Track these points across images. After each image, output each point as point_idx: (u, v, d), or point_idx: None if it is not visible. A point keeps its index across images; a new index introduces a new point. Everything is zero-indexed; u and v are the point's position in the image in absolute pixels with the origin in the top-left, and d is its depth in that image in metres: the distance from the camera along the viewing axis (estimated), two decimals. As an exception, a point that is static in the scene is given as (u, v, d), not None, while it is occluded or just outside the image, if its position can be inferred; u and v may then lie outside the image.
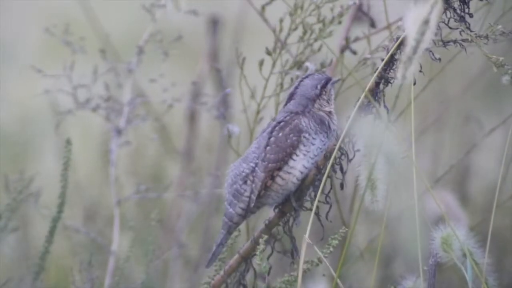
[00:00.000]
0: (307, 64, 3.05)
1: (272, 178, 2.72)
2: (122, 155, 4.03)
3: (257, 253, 2.66)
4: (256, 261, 2.69)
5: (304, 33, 3.03)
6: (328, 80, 2.78)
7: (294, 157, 2.71)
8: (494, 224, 2.68)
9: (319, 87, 2.77)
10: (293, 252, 2.78)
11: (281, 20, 3.04)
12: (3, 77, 4.97)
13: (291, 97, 2.78)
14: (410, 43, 2.42)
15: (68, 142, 3.02)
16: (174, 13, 3.22)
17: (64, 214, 3.08)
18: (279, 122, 2.74)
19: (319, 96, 2.76)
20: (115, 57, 3.47)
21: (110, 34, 3.55)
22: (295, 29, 3.04)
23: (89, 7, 3.76)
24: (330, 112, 2.76)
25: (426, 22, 2.42)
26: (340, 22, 3.02)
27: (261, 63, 3.03)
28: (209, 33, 3.99)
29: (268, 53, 3.05)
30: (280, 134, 2.72)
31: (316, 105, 2.76)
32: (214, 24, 3.99)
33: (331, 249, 2.66)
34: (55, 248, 3.16)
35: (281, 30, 3.05)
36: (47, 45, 4.96)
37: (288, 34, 3.05)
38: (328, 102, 2.77)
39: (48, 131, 3.37)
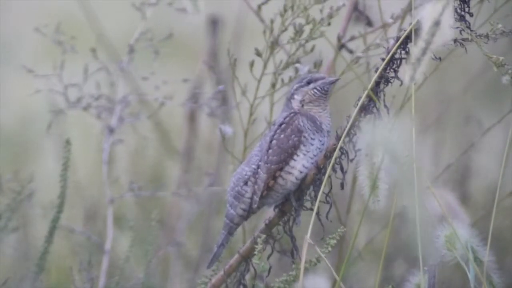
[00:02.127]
0: (297, 65, 3.05)
1: (274, 178, 2.72)
2: (122, 155, 4.03)
3: (256, 252, 2.66)
4: (254, 260, 2.69)
5: (295, 33, 3.03)
6: (310, 80, 2.77)
7: (295, 157, 2.72)
8: (494, 223, 2.68)
9: (294, 87, 2.78)
10: (293, 252, 2.78)
11: (271, 21, 3.04)
12: (3, 77, 4.96)
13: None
14: (419, 45, 2.41)
15: (68, 142, 3.01)
16: (172, 12, 3.22)
17: (64, 214, 3.08)
18: (281, 125, 2.75)
19: (292, 95, 2.77)
20: (112, 56, 3.47)
21: (108, 33, 3.55)
22: (285, 30, 3.04)
23: (87, 7, 3.75)
24: (319, 114, 2.76)
25: (437, 23, 2.40)
26: (329, 24, 3.02)
27: (251, 64, 3.03)
28: (208, 33, 3.99)
29: (258, 54, 3.05)
30: (282, 136, 2.73)
31: (295, 106, 2.76)
32: (214, 24, 3.98)
33: (330, 248, 2.66)
34: (55, 248, 3.15)
35: (271, 31, 3.05)
36: (45, 45, 4.95)
37: (278, 35, 3.05)
38: (300, 103, 2.76)
39: (49, 131, 3.36)
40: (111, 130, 3.33)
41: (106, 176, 3.32)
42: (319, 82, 2.77)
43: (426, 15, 2.41)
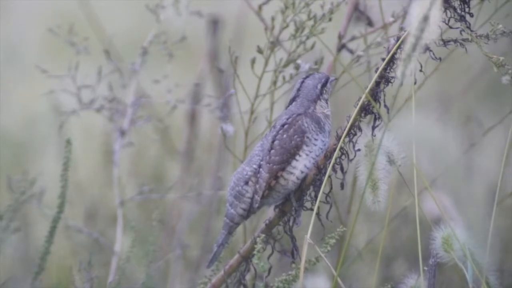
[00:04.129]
0: (299, 61, 3.05)
1: (276, 178, 2.73)
2: (124, 156, 4.03)
3: (255, 252, 2.66)
4: (254, 260, 2.69)
5: (296, 30, 3.03)
6: (327, 79, 2.79)
7: (297, 157, 2.72)
8: (494, 224, 2.68)
9: (319, 86, 2.78)
10: (294, 252, 2.78)
11: (272, 19, 3.04)
12: (6, 79, 4.97)
13: (294, 99, 2.79)
14: (409, 41, 2.42)
15: (68, 142, 3.02)
16: (177, 15, 3.22)
17: (66, 214, 3.08)
18: (283, 125, 2.75)
19: (320, 96, 2.77)
20: (118, 58, 3.47)
21: (113, 35, 3.55)
22: (286, 27, 3.04)
23: (92, 8, 3.76)
24: (326, 115, 2.76)
25: (425, 19, 2.41)
26: (330, 19, 3.02)
27: (253, 62, 3.03)
28: (209, 33, 3.99)
29: (260, 51, 3.05)
30: (285, 136, 2.73)
31: (318, 107, 2.76)
32: (214, 24, 3.98)
33: (329, 248, 2.66)
34: (57, 248, 3.15)
35: (272, 28, 3.05)
36: (48, 46, 4.96)
37: (280, 32, 3.05)
38: (327, 103, 2.78)
39: (51, 132, 3.37)
40: (122, 133, 3.33)
41: (116, 179, 3.32)
42: (330, 80, 2.79)
43: (415, 11, 2.42)
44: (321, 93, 2.77)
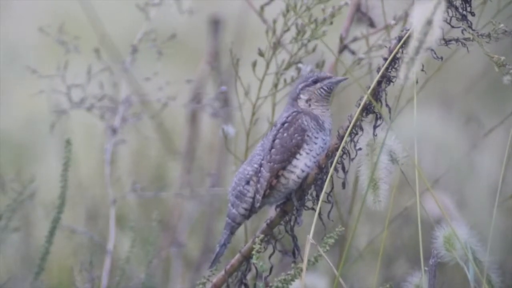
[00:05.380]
0: (299, 65, 3.05)
1: (277, 177, 2.72)
2: (125, 156, 4.03)
3: (253, 252, 2.66)
4: (252, 260, 2.69)
5: (298, 33, 3.03)
6: (317, 79, 2.77)
7: (298, 156, 2.72)
8: (495, 224, 2.67)
9: (300, 86, 2.77)
10: (295, 252, 2.78)
11: (274, 21, 3.04)
12: (6, 79, 4.97)
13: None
14: (413, 44, 2.42)
15: (68, 142, 3.01)
16: (174, 13, 3.22)
17: (66, 215, 3.08)
18: (283, 124, 2.75)
19: (298, 95, 2.76)
20: (115, 57, 3.47)
21: (111, 33, 3.55)
22: (287, 30, 3.04)
23: (89, 7, 3.76)
24: (322, 113, 2.75)
25: (429, 22, 2.41)
26: (331, 23, 3.02)
27: (254, 64, 3.03)
28: (210, 33, 3.99)
29: (261, 54, 3.05)
30: (285, 135, 2.73)
31: (301, 105, 2.76)
32: (215, 24, 3.98)
33: (327, 247, 2.66)
34: (57, 248, 3.15)
35: (274, 31, 3.05)
36: (48, 46, 4.96)
37: (281, 35, 3.05)
38: (307, 102, 2.76)
39: (51, 132, 3.37)
40: (113, 131, 3.33)
41: (108, 177, 3.32)
42: (326, 82, 2.77)
43: (418, 14, 2.42)
44: (300, 92, 2.76)
